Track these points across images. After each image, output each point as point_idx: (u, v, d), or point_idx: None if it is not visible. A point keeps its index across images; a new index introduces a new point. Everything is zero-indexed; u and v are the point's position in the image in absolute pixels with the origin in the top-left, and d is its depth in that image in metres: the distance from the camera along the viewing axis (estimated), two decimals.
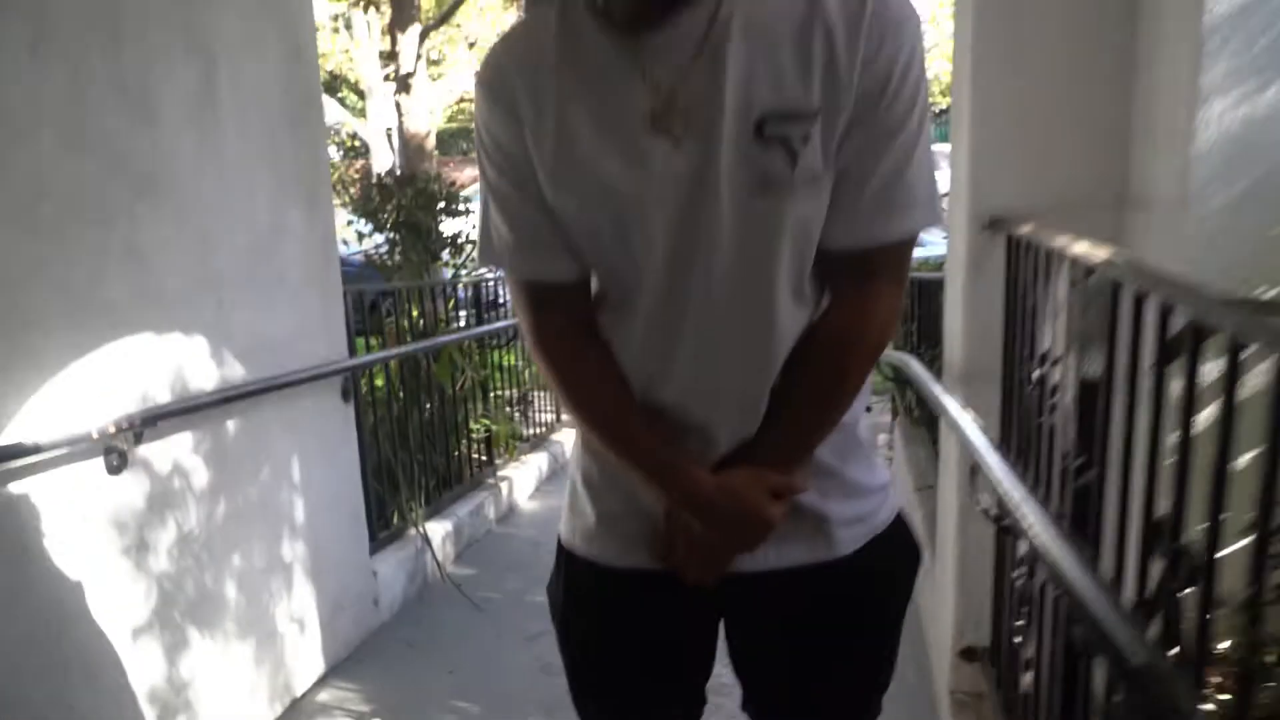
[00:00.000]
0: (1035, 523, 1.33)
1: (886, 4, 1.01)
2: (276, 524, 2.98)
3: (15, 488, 2.03)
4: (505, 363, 5.28)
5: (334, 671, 3.28)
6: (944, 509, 2.72)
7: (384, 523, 3.89)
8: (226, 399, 2.61)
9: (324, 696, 3.14)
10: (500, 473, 5.08)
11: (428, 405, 4.43)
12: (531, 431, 5.78)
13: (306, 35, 3.12)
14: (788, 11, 1.02)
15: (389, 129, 10.18)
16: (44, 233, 2.09)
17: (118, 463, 2.29)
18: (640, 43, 1.03)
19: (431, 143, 8.91)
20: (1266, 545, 0.92)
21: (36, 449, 2.04)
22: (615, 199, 1.06)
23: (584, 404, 1.17)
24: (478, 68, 1.17)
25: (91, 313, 2.23)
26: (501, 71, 1.11)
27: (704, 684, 1.37)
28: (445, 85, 8.82)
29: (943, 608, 2.71)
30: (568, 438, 6.24)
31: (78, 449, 2.16)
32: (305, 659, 3.13)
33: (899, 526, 1.25)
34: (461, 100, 9.01)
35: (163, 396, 2.46)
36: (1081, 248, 1.51)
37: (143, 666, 2.41)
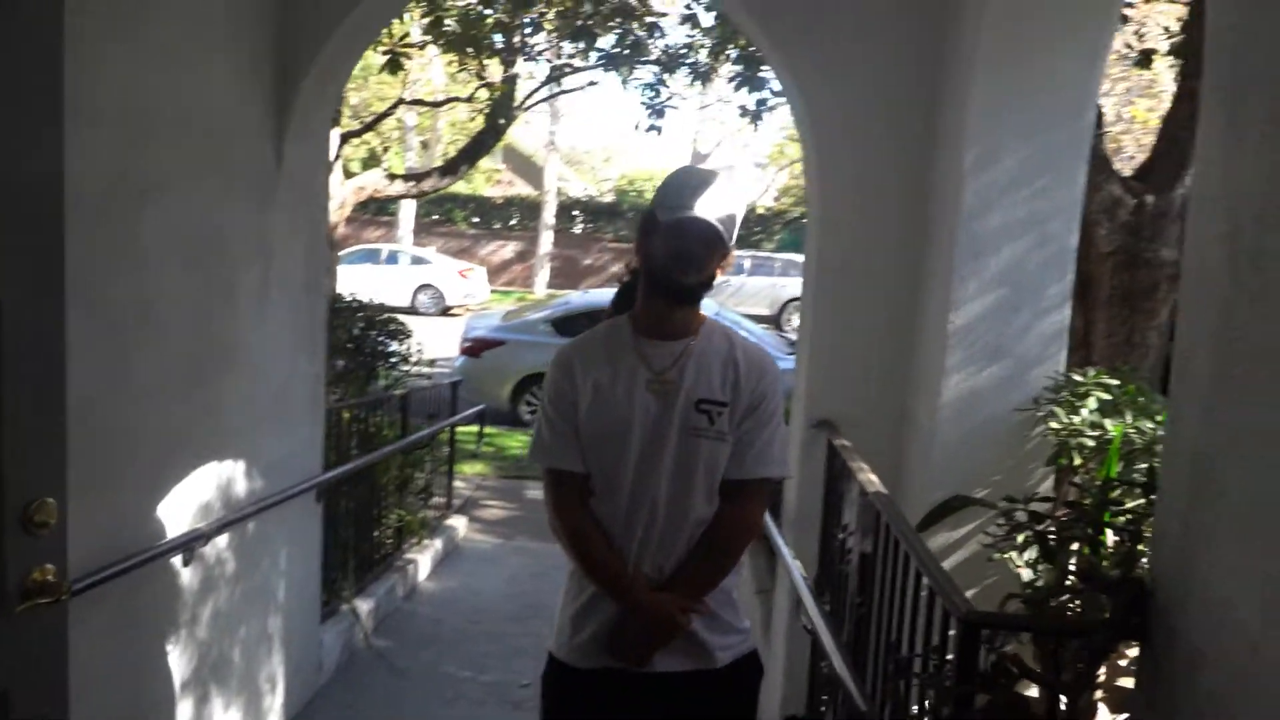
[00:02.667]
0: (830, 642, 2.42)
1: (764, 358, 2.17)
2: (266, 600, 3.80)
3: (129, 579, 2.83)
4: (424, 460, 6.17)
5: None
6: (778, 616, 3.81)
7: (323, 598, 4.69)
8: (261, 509, 3.46)
9: None
10: (407, 555, 5.92)
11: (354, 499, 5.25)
12: (431, 515, 6.63)
13: (322, 222, 4.04)
14: (719, 349, 2.14)
15: None
16: (169, 398, 2.95)
17: (189, 558, 3.11)
18: (650, 350, 2.11)
19: (338, 231, 9.70)
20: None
21: (148, 550, 2.86)
22: (621, 421, 2.08)
23: (583, 548, 2.13)
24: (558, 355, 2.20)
25: (184, 449, 3.08)
26: (570, 357, 2.16)
27: None
28: (355, 184, 9.65)
29: (774, 685, 3.78)
30: (459, 523, 7.12)
31: (171, 549, 2.98)
32: (274, 711, 3.92)
33: (753, 655, 2.26)
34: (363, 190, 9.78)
35: (219, 505, 3.29)
36: (864, 476, 2.63)
37: (182, 707, 3.20)
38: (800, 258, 21.06)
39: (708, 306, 2.23)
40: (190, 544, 3.04)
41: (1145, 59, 5.43)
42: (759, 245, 25.58)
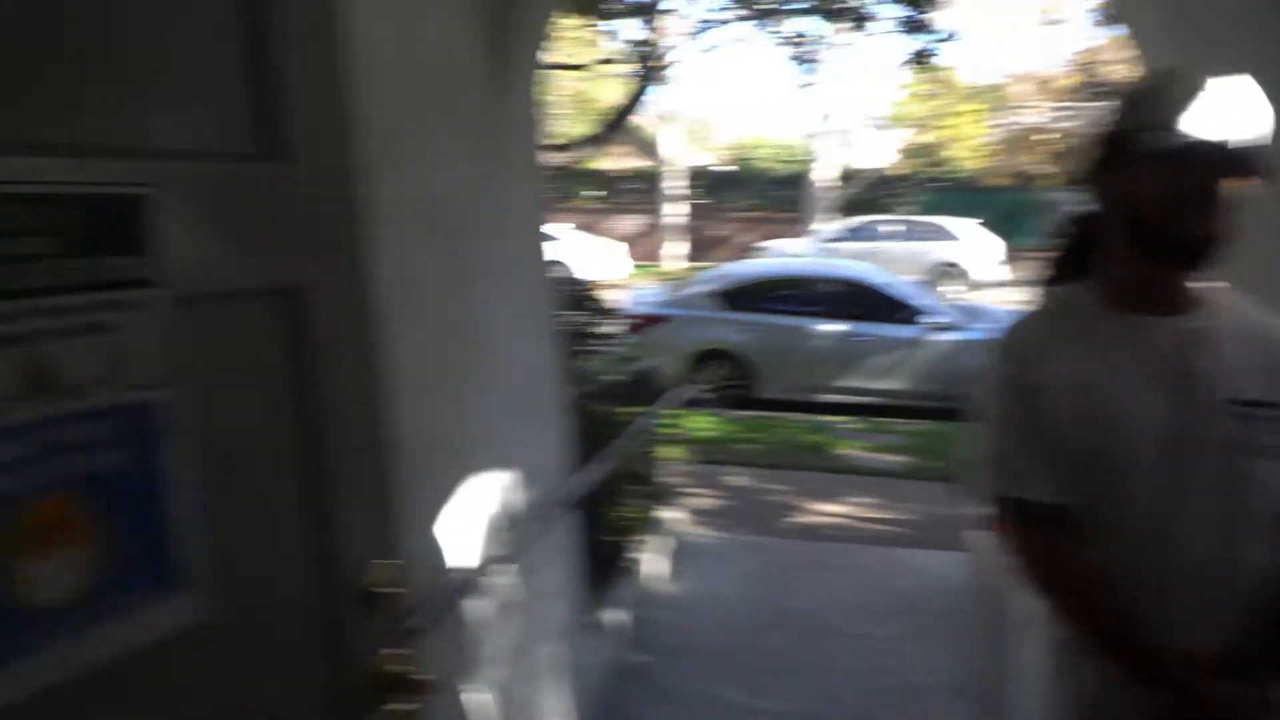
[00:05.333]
0: None
1: None
2: (547, 627, 3.26)
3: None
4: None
5: None
6: None
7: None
8: (543, 530, 2.91)
9: None
10: (639, 557, 5.33)
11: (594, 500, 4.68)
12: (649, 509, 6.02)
13: (542, 184, 3.47)
14: (1248, 326, 1.46)
15: None
16: (433, 401, 2.41)
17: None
18: (1148, 331, 1.45)
19: None
20: None
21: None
22: (1122, 433, 1.42)
23: (1090, 613, 1.47)
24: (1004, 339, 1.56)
25: (449, 459, 2.54)
26: (1028, 343, 1.53)
27: None
28: None
29: None
30: (672, 515, 6.44)
31: (469, 580, 2.45)
32: None
33: None
34: None
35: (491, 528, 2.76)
36: None
37: None
38: (944, 220, 18.45)
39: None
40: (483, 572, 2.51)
41: None
42: (890, 209, 23.82)
